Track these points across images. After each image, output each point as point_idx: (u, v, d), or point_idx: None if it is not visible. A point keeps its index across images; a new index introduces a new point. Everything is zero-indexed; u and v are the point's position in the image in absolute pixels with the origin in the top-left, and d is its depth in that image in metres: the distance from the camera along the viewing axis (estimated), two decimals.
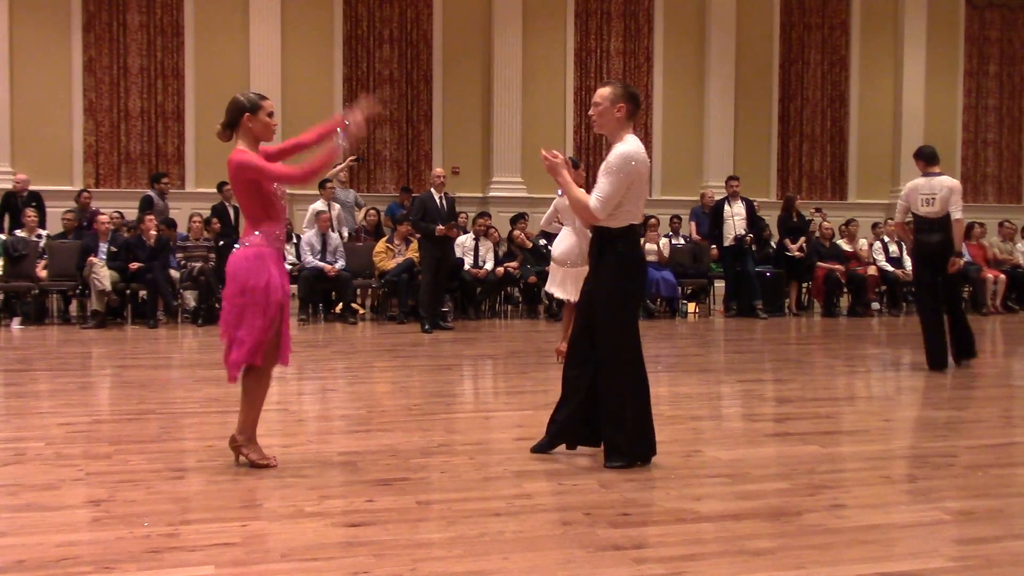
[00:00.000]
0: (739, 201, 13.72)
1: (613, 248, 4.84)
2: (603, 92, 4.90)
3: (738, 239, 13.43)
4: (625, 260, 4.85)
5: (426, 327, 11.18)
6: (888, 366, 9.10)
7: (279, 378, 7.20)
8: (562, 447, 5.06)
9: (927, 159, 8.71)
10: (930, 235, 8.54)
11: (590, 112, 5.02)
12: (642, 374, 4.89)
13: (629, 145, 4.80)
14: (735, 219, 13.55)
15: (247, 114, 4.63)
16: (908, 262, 14.32)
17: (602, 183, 4.74)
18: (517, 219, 13.84)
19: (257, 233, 4.64)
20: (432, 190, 11.62)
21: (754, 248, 13.72)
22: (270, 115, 4.69)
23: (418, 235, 11.89)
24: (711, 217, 14.01)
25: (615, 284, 4.83)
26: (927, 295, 8.71)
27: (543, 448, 5.06)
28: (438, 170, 12.11)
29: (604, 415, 4.84)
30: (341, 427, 5.99)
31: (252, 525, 3.82)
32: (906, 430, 6.08)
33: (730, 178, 14.08)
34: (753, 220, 13.77)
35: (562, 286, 8.60)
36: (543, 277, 12.83)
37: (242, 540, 3.63)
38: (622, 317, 4.85)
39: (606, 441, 4.86)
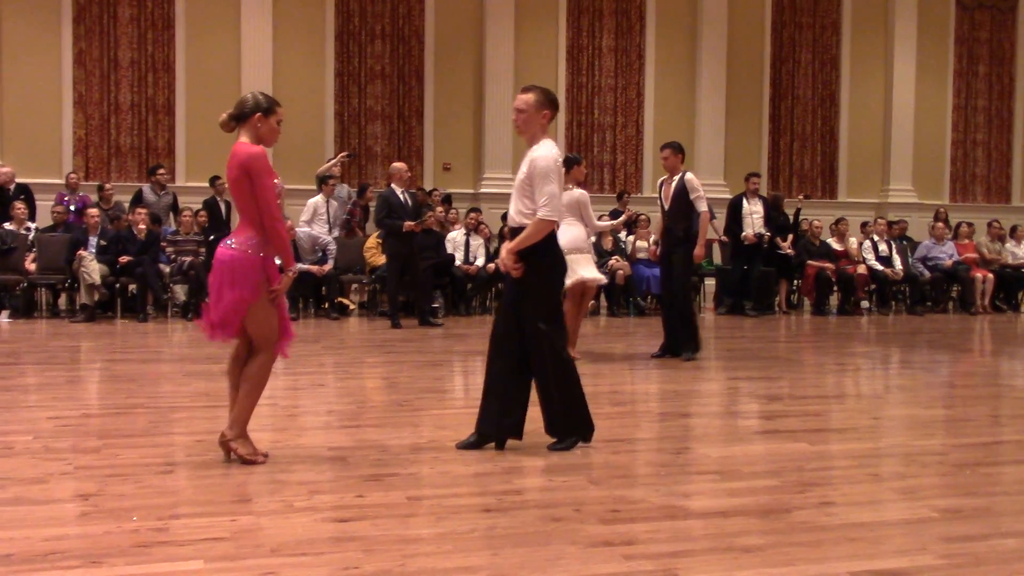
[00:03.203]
0: (757, 199, 13.61)
1: (535, 245, 4.99)
2: (527, 99, 5.06)
3: (759, 236, 13.33)
4: (548, 253, 5.05)
5: (396, 323, 11.17)
6: (877, 364, 9.13)
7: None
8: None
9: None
10: None
11: (514, 118, 5.16)
12: (566, 356, 5.09)
13: (548, 148, 5.05)
14: (753, 216, 13.44)
15: (259, 115, 4.61)
16: (898, 261, 14.41)
17: (544, 189, 4.93)
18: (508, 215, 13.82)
19: (243, 239, 4.59)
20: (393, 185, 11.48)
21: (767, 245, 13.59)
22: (279, 123, 4.70)
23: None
24: (729, 213, 13.81)
25: (541, 275, 5.02)
26: None
27: (472, 445, 5.07)
28: (400, 164, 11.92)
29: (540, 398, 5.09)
30: (331, 422, 5.99)
31: (242, 520, 3.82)
32: (895, 428, 6.10)
33: (750, 175, 13.87)
34: (770, 218, 13.69)
35: (573, 273, 8.69)
36: None
37: (231, 535, 3.62)
38: (550, 302, 5.07)
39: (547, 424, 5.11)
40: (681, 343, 8.79)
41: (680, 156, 8.96)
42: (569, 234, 8.64)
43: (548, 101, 5.09)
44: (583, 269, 8.59)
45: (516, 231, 5.06)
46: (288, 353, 4.85)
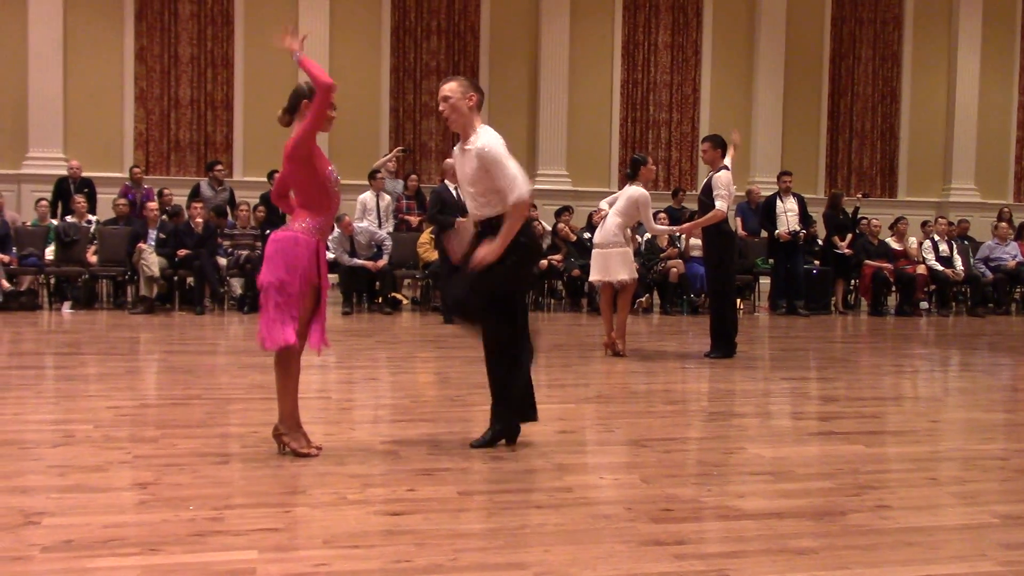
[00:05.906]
0: (791, 197, 13.55)
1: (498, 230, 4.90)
2: (451, 87, 4.98)
3: (793, 235, 13.24)
4: (521, 234, 4.92)
5: (448, 318, 11.18)
6: (936, 366, 8.96)
7: (323, 366, 7.27)
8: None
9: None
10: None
11: (440, 108, 5.06)
12: (506, 342, 5.06)
13: (489, 134, 4.95)
14: (788, 215, 13.38)
15: (306, 101, 4.66)
16: (959, 261, 14.12)
17: (505, 175, 4.83)
18: (561, 212, 13.81)
19: (299, 224, 4.66)
20: (446, 181, 11.44)
21: (805, 243, 13.52)
22: (331, 107, 4.72)
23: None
24: (762, 212, 13.82)
25: (510, 262, 4.90)
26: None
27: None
28: (452, 160, 11.80)
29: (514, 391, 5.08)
30: (384, 416, 6.03)
31: (295, 511, 3.86)
32: (954, 432, 5.98)
33: (782, 173, 13.91)
34: (804, 216, 13.59)
35: (601, 270, 8.63)
36: (586, 271, 12.86)
37: (285, 526, 3.67)
38: (515, 277, 5.01)
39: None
40: (711, 342, 8.72)
41: (720, 151, 8.74)
42: (603, 228, 8.63)
43: (473, 86, 5.03)
44: (607, 266, 8.53)
45: (486, 223, 4.97)
46: (326, 343, 4.85)
